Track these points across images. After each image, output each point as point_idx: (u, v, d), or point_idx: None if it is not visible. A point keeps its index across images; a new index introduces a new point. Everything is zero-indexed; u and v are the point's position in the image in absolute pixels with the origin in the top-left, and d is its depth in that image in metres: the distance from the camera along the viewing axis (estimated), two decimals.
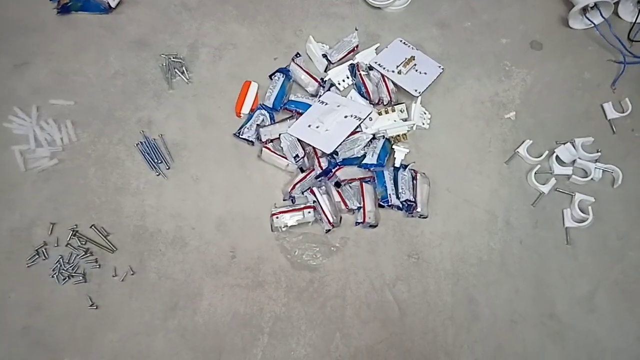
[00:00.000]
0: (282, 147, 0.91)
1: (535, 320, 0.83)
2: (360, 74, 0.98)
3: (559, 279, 0.86)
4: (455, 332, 0.82)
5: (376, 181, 0.90)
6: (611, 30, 1.05)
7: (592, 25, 1.07)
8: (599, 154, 0.94)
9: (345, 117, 0.90)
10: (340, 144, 0.87)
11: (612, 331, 0.83)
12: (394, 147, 0.90)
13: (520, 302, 0.84)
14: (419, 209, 0.87)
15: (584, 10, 1.07)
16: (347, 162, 0.90)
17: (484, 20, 1.12)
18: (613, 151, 0.97)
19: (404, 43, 1.05)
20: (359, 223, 0.87)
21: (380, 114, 0.95)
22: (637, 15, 1.07)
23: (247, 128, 0.93)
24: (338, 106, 0.91)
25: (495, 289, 0.85)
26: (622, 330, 0.83)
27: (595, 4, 1.04)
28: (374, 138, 0.92)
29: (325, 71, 1.02)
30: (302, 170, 0.89)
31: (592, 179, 0.93)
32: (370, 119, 0.92)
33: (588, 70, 1.06)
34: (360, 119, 0.89)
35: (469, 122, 1.00)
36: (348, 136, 0.89)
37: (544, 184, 0.92)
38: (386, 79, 0.99)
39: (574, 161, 0.96)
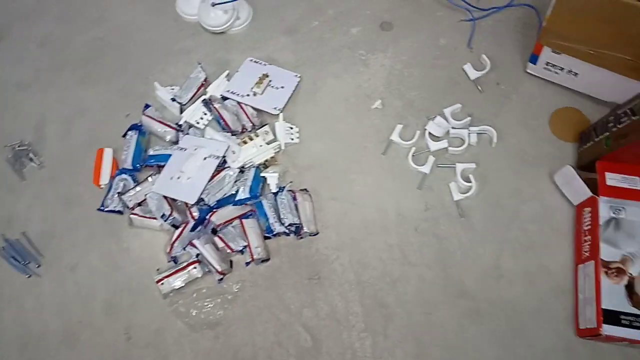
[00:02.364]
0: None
1: (448, 305, 0.84)
2: (214, 107, 0.97)
3: (461, 255, 0.88)
4: (372, 342, 0.82)
5: (257, 213, 0.89)
6: None
7: None
8: (469, 118, 0.96)
9: (205, 158, 0.89)
10: (203, 190, 0.86)
11: (525, 292, 0.85)
12: (262, 174, 0.89)
13: (430, 291, 0.86)
14: (305, 229, 0.87)
15: None
16: (222, 203, 0.89)
17: (331, 15, 1.13)
18: (485, 111, 0.99)
19: (255, 61, 1.05)
20: (249, 262, 0.86)
21: (244, 142, 0.94)
22: None
23: (110, 199, 0.90)
24: (195, 149, 0.90)
25: (402, 286, 0.86)
26: (535, 287, 0.85)
27: None
28: (242, 171, 0.90)
29: (181, 114, 1.00)
30: (176, 227, 0.87)
31: (469, 144, 0.95)
32: (233, 152, 0.91)
33: (442, 36, 1.08)
34: (218, 157, 0.88)
35: (339, 123, 1.00)
36: (212, 178, 0.88)
37: (423, 165, 0.94)
38: (243, 105, 0.98)
39: (448, 133, 0.97)
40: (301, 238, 0.89)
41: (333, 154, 0.97)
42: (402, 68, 1.05)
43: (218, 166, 0.90)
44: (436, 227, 0.90)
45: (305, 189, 0.93)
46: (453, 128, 0.97)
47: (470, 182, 0.91)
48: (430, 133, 0.96)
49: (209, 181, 0.88)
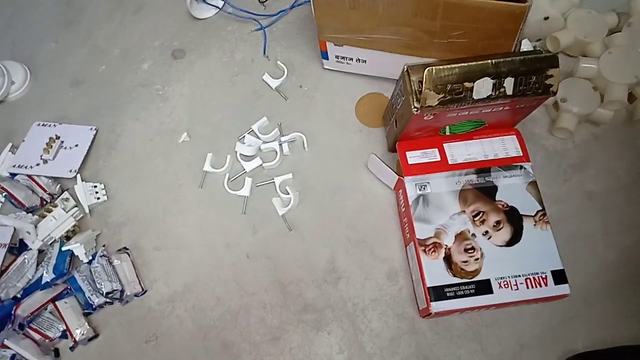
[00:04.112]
0: None
1: (293, 323, 0.84)
2: (2, 188, 0.89)
3: (297, 269, 0.87)
4: None
5: (73, 290, 0.82)
6: (230, 5, 1.06)
7: (219, 8, 1.08)
8: (276, 129, 0.96)
9: None
10: None
11: (364, 286, 0.86)
12: (63, 248, 0.83)
13: (273, 316, 0.84)
14: (128, 292, 0.82)
15: None
16: (30, 290, 0.82)
17: (117, 55, 1.08)
18: (293, 116, 0.99)
19: (43, 124, 0.98)
20: (73, 347, 0.80)
21: (42, 216, 0.86)
22: None
23: None
24: None
25: (244, 319, 0.84)
26: (373, 278, 0.86)
27: None
28: (40, 250, 0.84)
29: None
30: None
31: (283, 155, 0.95)
32: (28, 232, 0.83)
33: (237, 51, 1.07)
34: (5, 244, 0.80)
35: (148, 167, 0.96)
36: (7, 268, 0.80)
37: (242, 188, 0.92)
38: (34, 176, 0.91)
39: (260, 149, 0.96)
40: (127, 302, 0.84)
41: (148, 202, 0.93)
42: (202, 93, 1.02)
43: (13, 252, 0.82)
44: (268, 248, 0.89)
45: (125, 248, 0.88)
46: (264, 143, 0.96)
47: (289, 193, 0.91)
48: (241, 154, 0.94)
49: (4, 273, 0.80)
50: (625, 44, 0.92)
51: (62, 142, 0.95)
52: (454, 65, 0.69)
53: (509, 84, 0.70)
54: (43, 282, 0.82)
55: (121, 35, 1.09)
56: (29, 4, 1.15)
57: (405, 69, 0.73)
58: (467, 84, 0.70)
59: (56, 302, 0.82)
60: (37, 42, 1.10)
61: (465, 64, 0.68)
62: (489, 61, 0.69)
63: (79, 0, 1.15)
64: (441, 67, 0.69)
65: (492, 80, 0.70)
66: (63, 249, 0.84)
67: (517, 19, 0.73)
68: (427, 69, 0.68)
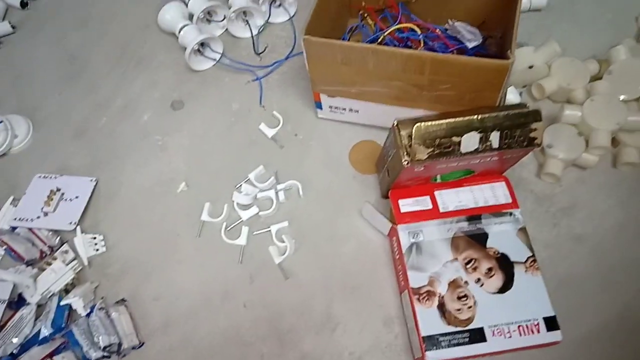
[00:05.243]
0: None
1: None
2: (2, 241, 0.88)
3: (294, 317, 0.86)
4: None
5: (70, 344, 0.81)
6: (227, 57, 1.08)
7: (216, 60, 1.10)
8: (273, 178, 0.96)
9: None
10: None
11: (360, 333, 0.85)
12: (62, 302, 0.82)
13: None
14: (126, 345, 0.81)
15: (199, 51, 1.09)
16: (28, 345, 0.81)
17: (119, 106, 1.09)
18: (288, 165, 1.00)
19: (45, 177, 0.99)
20: None
21: (42, 269, 0.86)
22: (251, 31, 1.11)
23: None
24: None
25: None
26: (369, 325, 0.85)
27: (202, 43, 1.08)
28: (39, 305, 0.83)
29: None
30: None
31: (279, 203, 0.95)
32: (28, 287, 0.83)
33: (234, 101, 1.08)
34: (4, 300, 0.80)
35: (147, 217, 0.96)
36: (4, 325, 0.79)
37: (239, 237, 0.92)
38: (34, 229, 0.90)
39: (257, 197, 0.96)
40: (124, 356, 0.82)
41: (146, 252, 0.93)
42: (200, 143, 1.03)
43: (11, 307, 0.81)
44: (265, 297, 0.88)
45: (123, 299, 0.87)
46: (261, 191, 0.96)
47: (286, 241, 0.90)
48: (238, 203, 0.95)
49: (1, 329, 0.79)
50: (607, 92, 0.94)
51: (63, 194, 0.95)
52: (441, 121, 0.70)
53: (494, 137, 0.71)
54: (41, 337, 0.81)
55: (122, 88, 1.11)
56: (34, 59, 1.18)
57: (395, 124, 0.74)
58: (455, 138, 0.71)
59: (53, 358, 0.80)
60: (41, 95, 1.12)
61: (452, 120, 0.70)
62: (475, 117, 0.70)
63: (83, 54, 1.17)
64: (429, 122, 0.70)
65: (479, 135, 0.71)
66: (62, 303, 0.83)
67: (501, 75, 0.75)
68: (416, 125, 0.69)
